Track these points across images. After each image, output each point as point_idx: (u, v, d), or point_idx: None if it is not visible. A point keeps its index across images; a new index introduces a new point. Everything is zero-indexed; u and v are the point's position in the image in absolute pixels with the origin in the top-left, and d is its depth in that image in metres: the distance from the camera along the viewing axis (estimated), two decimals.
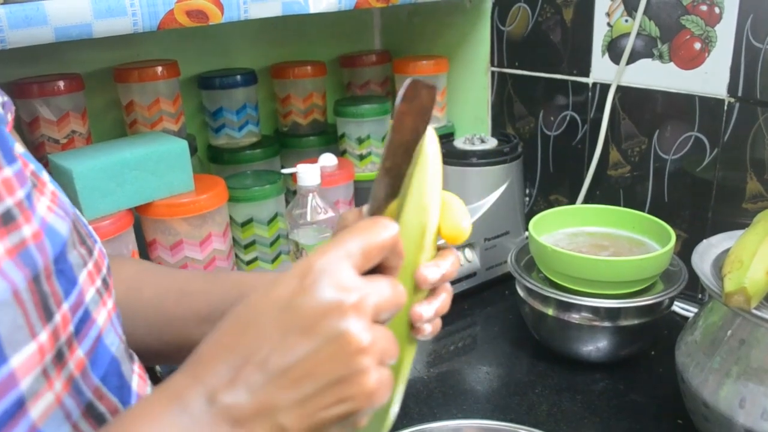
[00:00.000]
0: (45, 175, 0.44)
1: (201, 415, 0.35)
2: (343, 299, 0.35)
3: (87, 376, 0.41)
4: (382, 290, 0.37)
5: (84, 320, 0.41)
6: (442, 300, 0.44)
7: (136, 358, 0.50)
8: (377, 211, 0.44)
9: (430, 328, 0.43)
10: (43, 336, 0.36)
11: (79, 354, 0.40)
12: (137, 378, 0.48)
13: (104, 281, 0.46)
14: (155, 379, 0.77)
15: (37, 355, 0.36)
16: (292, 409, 0.35)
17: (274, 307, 0.36)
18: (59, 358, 0.38)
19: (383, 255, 0.39)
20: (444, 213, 0.44)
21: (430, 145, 0.43)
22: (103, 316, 0.44)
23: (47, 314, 0.37)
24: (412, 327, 0.43)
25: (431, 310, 0.43)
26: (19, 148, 0.42)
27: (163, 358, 0.58)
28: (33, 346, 0.36)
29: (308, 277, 0.36)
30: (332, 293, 0.35)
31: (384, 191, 0.43)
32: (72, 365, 0.39)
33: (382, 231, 0.38)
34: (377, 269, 0.39)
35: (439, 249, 0.45)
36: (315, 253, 0.37)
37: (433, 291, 0.44)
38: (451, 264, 0.43)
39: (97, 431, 0.41)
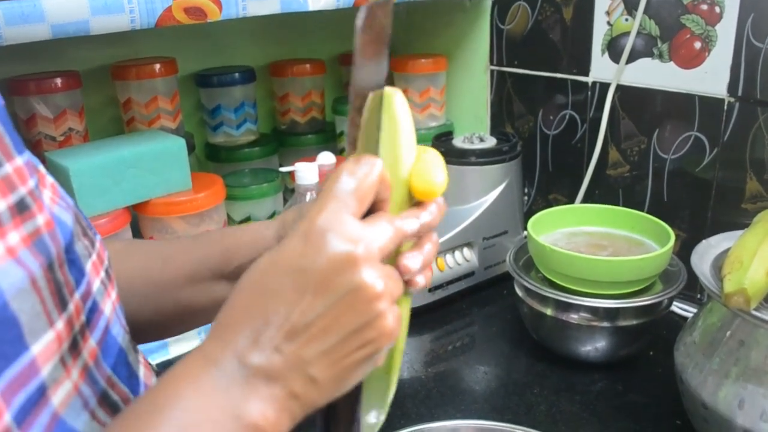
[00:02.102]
0: (42, 168, 0.44)
1: (236, 375, 0.36)
2: (352, 251, 0.36)
3: (99, 365, 0.41)
4: (383, 231, 0.38)
5: (93, 310, 0.42)
6: (428, 250, 0.43)
7: (139, 349, 0.51)
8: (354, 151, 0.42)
9: (423, 280, 0.43)
10: (60, 324, 0.37)
11: (91, 343, 0.40)
12: (143, 368, 0.48)
13: (107, 272, 0.46)
14: None
15: (55, 342, 0.36)
16: (319, 360, 0.37)
17: (284, 270, 0.37)
18: (74, 347, 0.38)
19: (375, 192, 0.39)
20: (417, 167, 0.42)
21: (396, 96, 0.41)
22: (109, 307, 0.44)
23: (62, 303, 0.37)
24: (406, 281, 0.42)
25: (418, 262, 0.42)
26: None
27: (155, 330, 0.58)
28: (51, 334, 0.36)
29: (312, 236, 0.37)
30: (340, 248, 0.36)
31: (358, 129, 0.41)
32: (86, 354, 0.39)
33: (369, 170, 0.39)
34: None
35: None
36: (313, 210, 0.38)
37: (418, 242, 0.43)
38: (431, 213, 0.42)
39: (113, 413, 0.41)
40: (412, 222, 0.41)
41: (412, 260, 0.41)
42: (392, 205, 0.42)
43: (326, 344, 0.37)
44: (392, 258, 0.42)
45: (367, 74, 0.41)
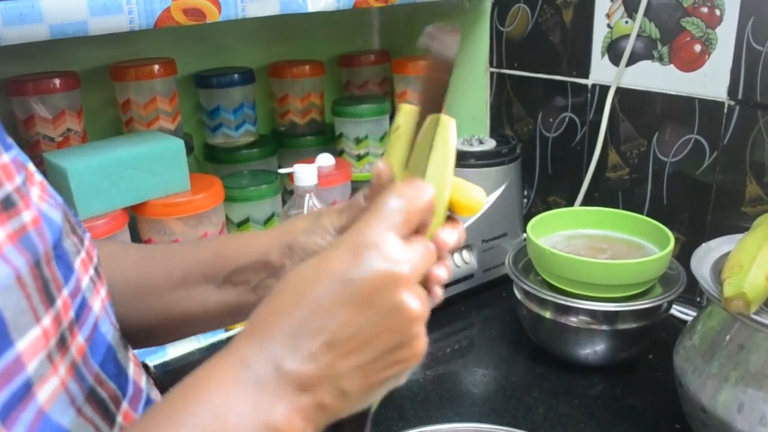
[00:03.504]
0: (31, 166, 0.44)
1: (268, 380, 0.36)
2: (395, 271, 0.37)
3: (87, 362, 0.41)
4: (423, 254, 0.40)
5: (82, 307, 0.42)
6: (449, 264, 0.46)
7: (130, 346, 0.51)
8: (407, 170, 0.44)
9: (441, 292, 0.45)
10: (47, 320, 0.37)
11: (79, 340, 0.41)
12: (132, 365, 0.48)
13: (96, 270, 0.46)
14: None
15: (41, 339, 0.36)
16: (353, 374, 0.37)
17: (328, 279, 0.37)
18: (62, 343, 0.38)
19: (423, 217, 0.41)
20: (456, 188, 0.45)
21: (452, 123, 0.44)
22: (98, 304, 0.44)
23: (49, 299, 0.38)
24: (428, 291, 0.45)
25: (445, 273, 0.45)
26: (6, 137, 0.42)
27: (142, 338, 0.57)
28: (37, 330, 0.36)
29: (359, 251, 0.37)
30: (384, 267, 0.37)
31: (417, 149, 0.44)
32: (74, 351, 0.40)
33: (421, 195, 0.40)
34: None
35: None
36: (362, 225, 0.38)
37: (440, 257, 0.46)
38: (460, 231, 0.45)
39: (100, 414, 0.41)
40: (451, 235, 0.44)
41: (441, 271, 0.44)
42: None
43: (361, 359, 0.37)
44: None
45: (431, 96, 0.43)
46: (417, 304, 0.38)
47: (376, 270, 0.37)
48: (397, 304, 0.37)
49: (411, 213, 0.39)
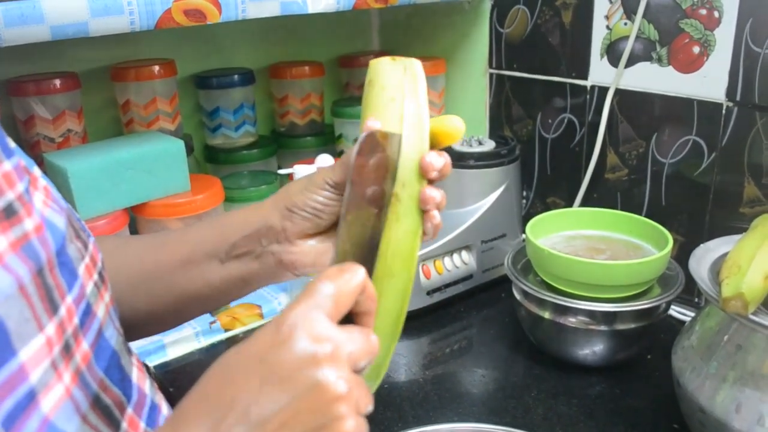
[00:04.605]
0: (36, 170, 0.44)
1: None
2: (318, 350, 0.36)
3: (92, 368, 0.41)
4: (356, 340, 0.38)
5: (87, 313, 0.42)
6: (440, 191, 0.48)
7: (134, 351, 0.51)
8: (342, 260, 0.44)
9: (438, 215, 0.48)
10: (50, 329, 0.37)
11: (84, 347, 0.41)
12: (136, 370, 0.49)
13: (100, 275, 0.46)
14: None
15: (45, 347, 0.36)
16: None
17: (251, 360, 0.37)
18: (67, 351, 0.38)
19: (354, 300, 0.40)
20: (435, 120, 0.49)
21: (417, 65, 0.50)
22: (102, 309, 0.44)
23: (53, 307, 0.38)
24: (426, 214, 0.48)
25: (438, 194, 0.47)
26: (10, 142, 0.42)
27: (152, 322, 0.58)
28: (41, 338, 0.36)
29: (282, 330, 0.37)
30: (306, 345, 0.36)
31: (349, 242, 0.44)
32: (78, 358, 0.40)
33: (350, 278, 0.39)
34: (352, 318, 0.41)
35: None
36: (288, 305, 0.38)
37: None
38: (447, 163, 0.48)
39: (104, 421, 0.41)
40: (438, 159, 0.47)
41: (434, 192, 0.47)
42: (411, 163, 0.47)
43: None
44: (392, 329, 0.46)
45: (362, 196, 0.46)
46: (340, 384, 0.36)
47: (294, 349, 0.36)
48: (317, 383, 0.36)
49: (341, 294, 0.38)
